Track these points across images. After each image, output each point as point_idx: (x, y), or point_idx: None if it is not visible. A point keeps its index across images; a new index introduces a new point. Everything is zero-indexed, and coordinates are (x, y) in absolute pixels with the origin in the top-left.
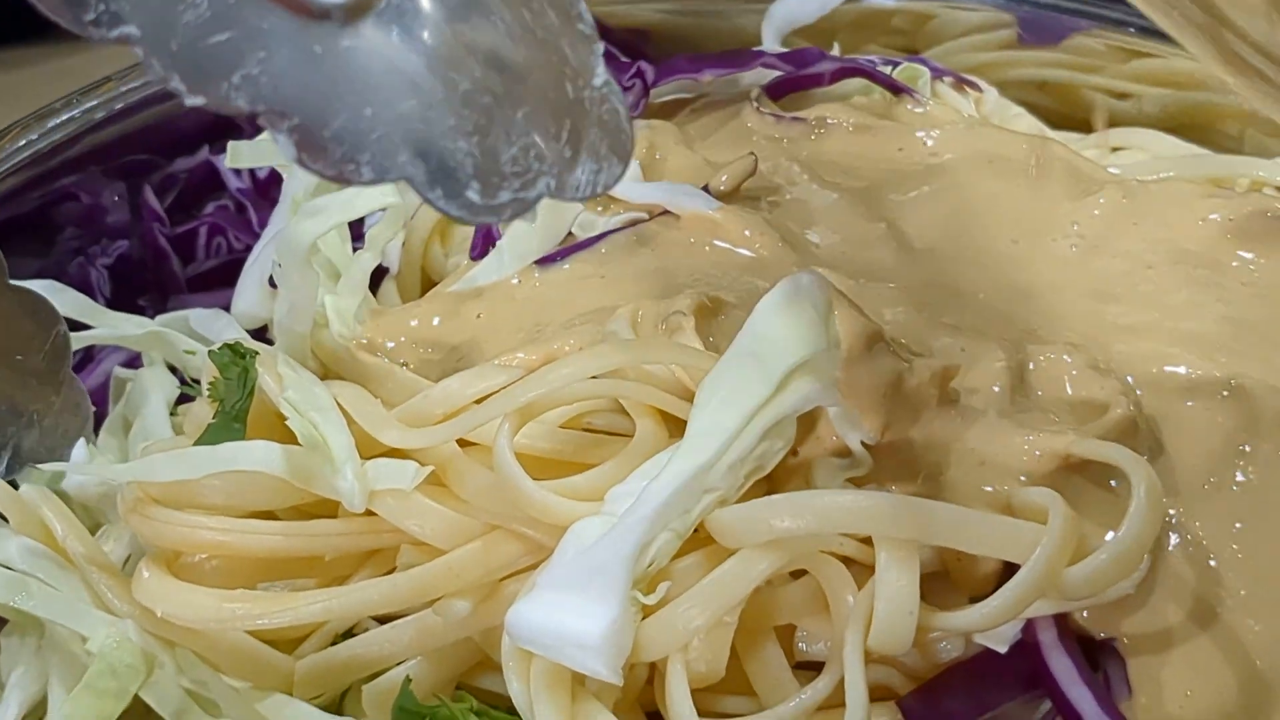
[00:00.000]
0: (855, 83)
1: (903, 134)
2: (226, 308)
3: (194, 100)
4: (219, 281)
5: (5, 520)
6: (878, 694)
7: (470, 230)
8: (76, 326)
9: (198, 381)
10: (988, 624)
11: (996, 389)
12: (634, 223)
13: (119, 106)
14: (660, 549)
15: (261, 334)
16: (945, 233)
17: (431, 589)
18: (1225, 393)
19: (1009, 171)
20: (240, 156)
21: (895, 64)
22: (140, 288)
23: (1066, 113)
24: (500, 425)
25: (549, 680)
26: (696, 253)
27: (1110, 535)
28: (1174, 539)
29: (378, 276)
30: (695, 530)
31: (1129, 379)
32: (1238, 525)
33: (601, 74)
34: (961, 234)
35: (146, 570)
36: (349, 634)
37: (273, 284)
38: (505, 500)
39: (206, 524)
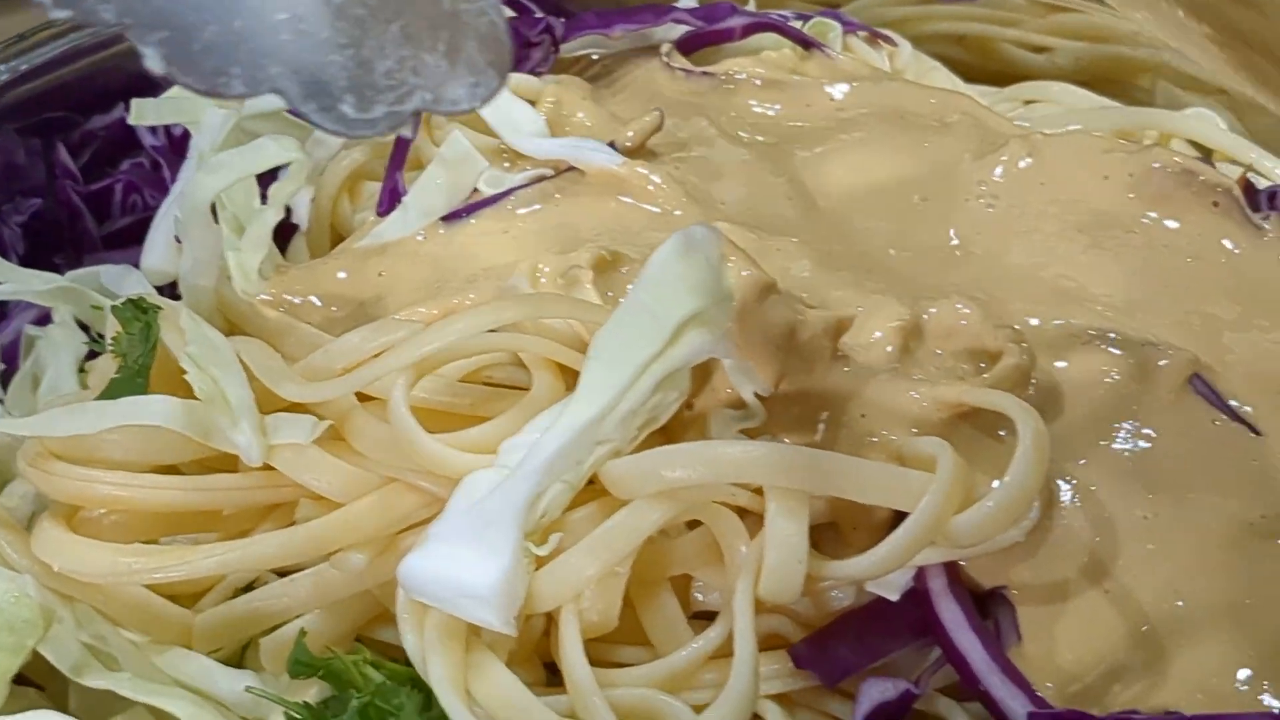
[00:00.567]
0: (767, 38)
1: (811, 89)
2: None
3: (59, 13)
4: (134, 239)
5: None
6: (771, 643)
7: (378, 186)
8: None
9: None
10: (876, 572)
11: (891, 341)
12: (540, 179)
13: (35, 64)
14: (552, 500)
15: (172, 289)
16: (851, 188)
17: (328, 542)
18: (1120, 349)
19: (916, 127)
20: (145, 113)
21: (807, 18)
22: (55, 245)
23: (983, 66)
24: (396, 379)
25: (443, 632)
26: (601, 208)
27: (997, 483)
28: (1066, 490)
29: (289, 233)
30: (590, 482)
31: (1025, 332)
32: (1129, 478)
33: None
34: (867, 190)
35: (45, 525)
36: (251, 588)
37: (180, 240)
38: (402, 454)
39: (104, 478)
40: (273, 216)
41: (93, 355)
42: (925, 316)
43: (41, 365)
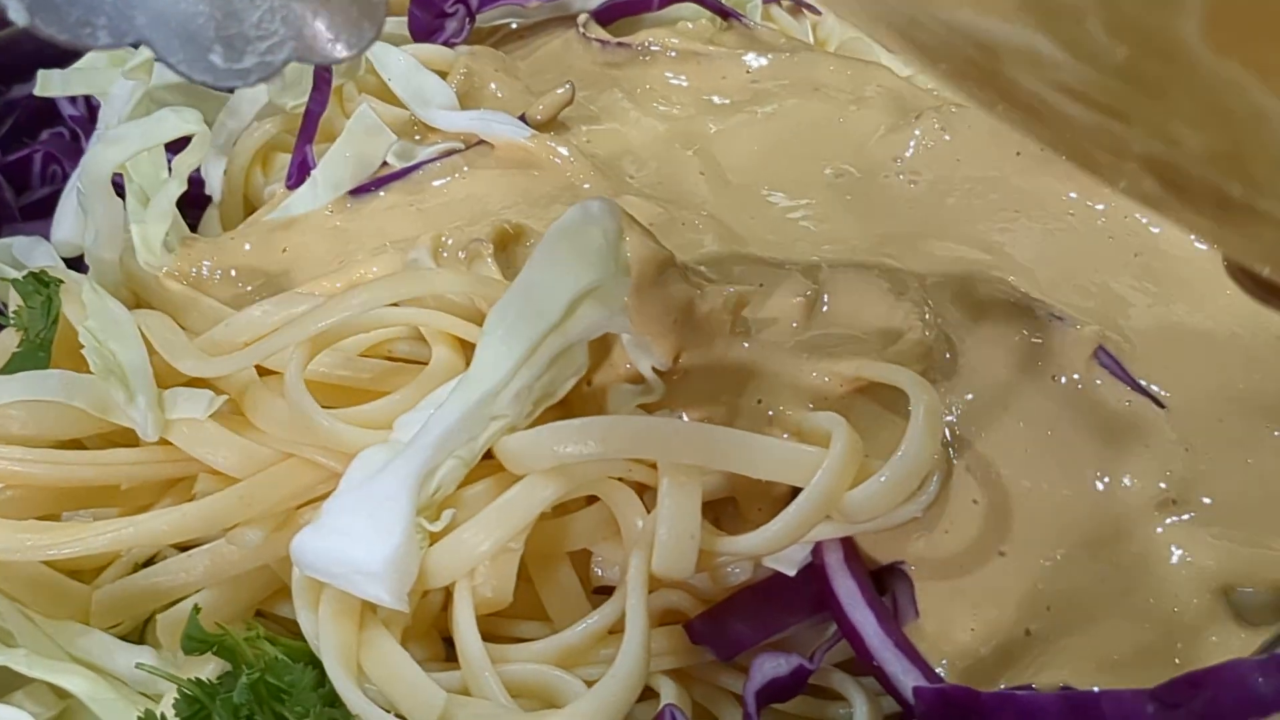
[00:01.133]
0: (686, 8)
1: (727, 61)
2: None
3: None
4: (52, 210)
5: None
6: (670, 618)
7: (288, 158)
8: None
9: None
10: (769, 548)
11: (793, 316)
12: (450, 152)
13: None
14: (446, 476)
15: (83, 262)
16: (762, 162)
17: (224, 518)
18: (1027, 323)
19: (830, 100)
20: (51, 85)
21: None
22: None
23: None
24: (291, 354)
25: (337, 609)
26: (510, 181)
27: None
28: (966, 466)
29: (203, 204)
30: (488, 457)
31: (930, 307)
32: (1033, 452)
33: None
34: (779, 164)
35: None
36: (152, 563)
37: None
38: (299, 429)
39: (1, 454)
40: (175, 189)
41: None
42: (830, 291)
43: None
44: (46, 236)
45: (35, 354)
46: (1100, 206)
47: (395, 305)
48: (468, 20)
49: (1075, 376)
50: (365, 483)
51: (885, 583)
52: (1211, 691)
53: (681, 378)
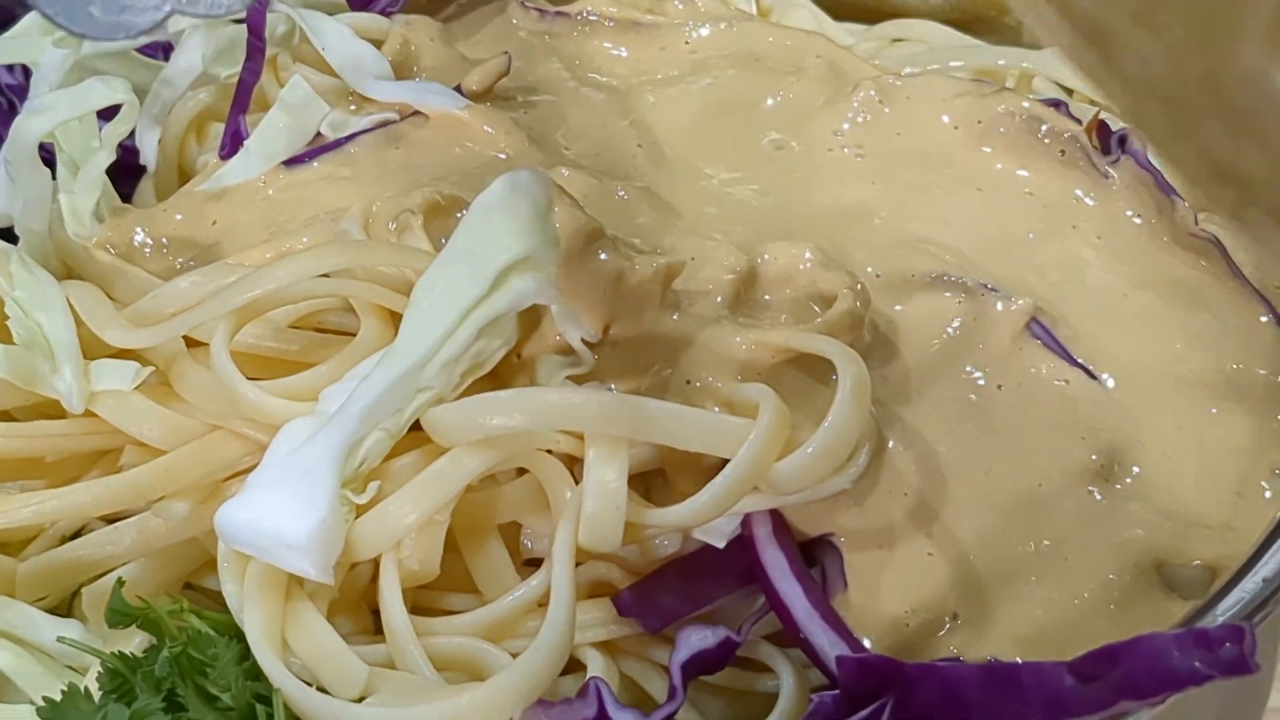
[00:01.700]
0: None
1: (666, 32)
2: None
3: None
4: None
5: None
6: (599, 590)
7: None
8: None
9: None
10: (696, 520)
11: (723, 287)
12: (385, 123)
13: None
14: (372, 448)
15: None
16: (701, 135)
17: (149, 490)
18: (960, 294)
19: (769, 71)
20: None
21: None
22: None
23: (856, 2)
24: (217, 325)
25: (262, 581)
26: (444, 152)
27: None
28: (896, 437)
29: (138, 175)
30: (416, 429)
31: (862, 279)
32: (964, 424)
33: None
34: (718, 136)
35: None
36: (80, 535)
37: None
38: (226, 401)
39: None
40: (104, 158)
41: None
42: (762, 260)
43: None
44: None
45: None
46: (1038, 179)
47: (326, 276)
48: None
49: (1006, 347)
50: (290, 455)
51: (815, 555)
52: (1128, 664)
53: (611, 349)
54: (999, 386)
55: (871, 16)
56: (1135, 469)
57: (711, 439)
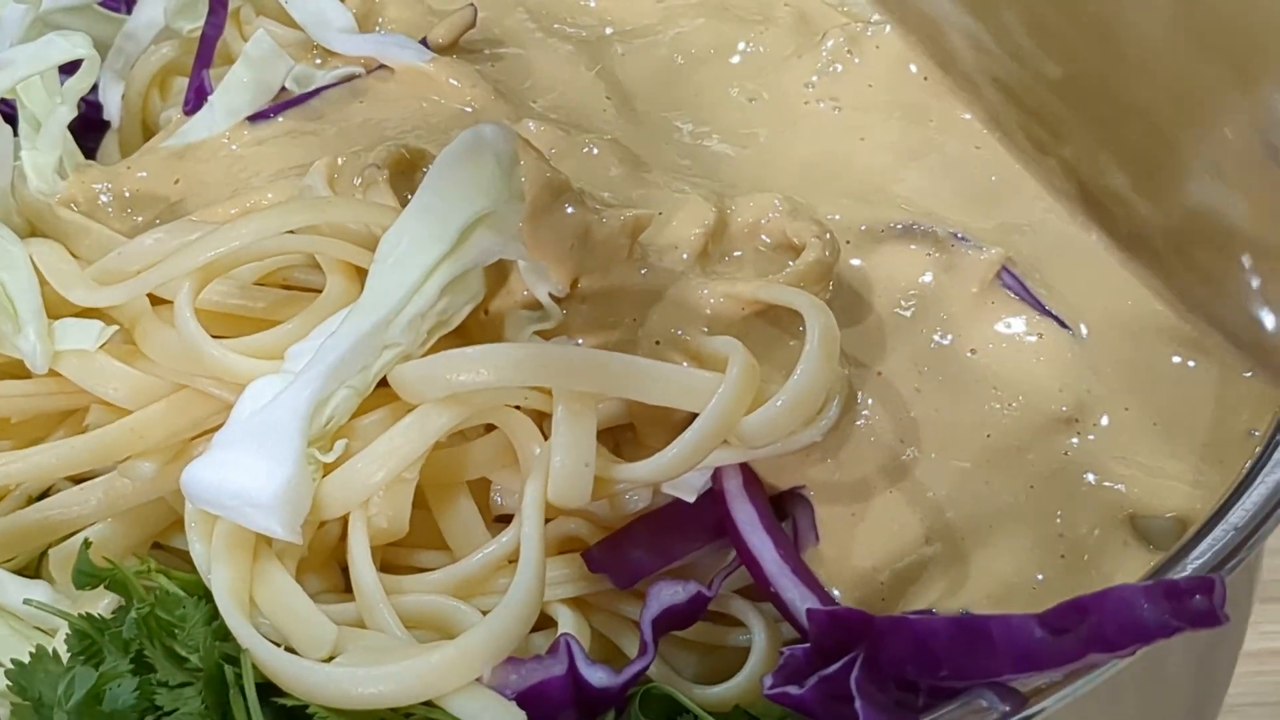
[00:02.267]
0: None
1: None
2: None
3: None
4: None
5: None
6: (570, 545)
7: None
8: None
9: None
10: (665, 475)
11: (691, 240)
12: (350, 77)
13: None
14: (338, 406)
15: None
16: (670, 86)
17: (115, 450)
18: (928, 243)
19: (740, 20)
20: None
21: None
22: None
23: None
24: (181, 283)
25: (230, 541)
26: (410, 106)
27: None
28: (867, 389)
29: (103, 130)
30: (383, 386)
31: (833, 227)
32: (934, 374)
33: None
34: (687, 88)
35: None
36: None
37: None
38: (191, 359)
39: None
40: (65, 114)
41: None
42: (731, 210)
43: None
44: None
45: None
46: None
47: (291, 232)
48: None
49: (976, 297)
50: (256, 414)
51: (786, 508)
52: (1096, 617)
53: (579, 304)
54: (970, 338)
55: None
56: (1105, 420)
57: (680, 393)
